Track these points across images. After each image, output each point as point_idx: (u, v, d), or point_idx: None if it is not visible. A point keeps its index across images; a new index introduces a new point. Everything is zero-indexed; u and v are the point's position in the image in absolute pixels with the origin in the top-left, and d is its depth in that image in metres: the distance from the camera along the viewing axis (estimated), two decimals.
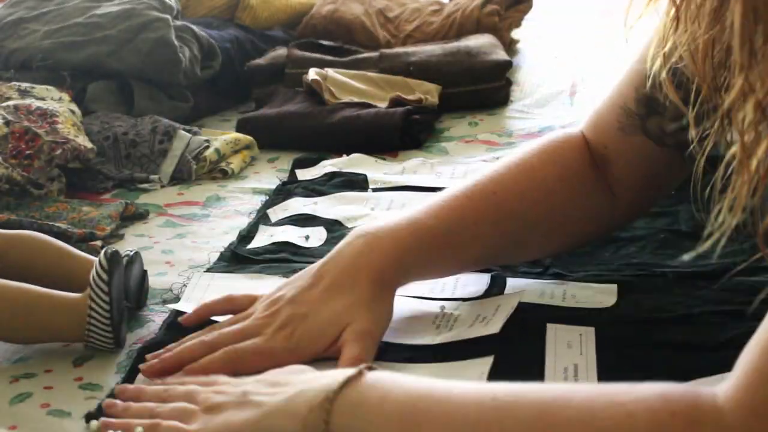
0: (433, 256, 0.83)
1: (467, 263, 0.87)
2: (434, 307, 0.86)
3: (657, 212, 1.05)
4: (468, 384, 0.65)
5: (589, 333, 0.80)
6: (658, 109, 0.78)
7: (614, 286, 0.88)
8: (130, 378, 0.79)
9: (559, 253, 0.93)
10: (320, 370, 0.71)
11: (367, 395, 0.63)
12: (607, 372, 0.74)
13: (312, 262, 0.98)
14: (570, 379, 0.74)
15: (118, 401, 0.74)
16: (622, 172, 0.86)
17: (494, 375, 0.75)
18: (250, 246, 1.04)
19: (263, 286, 0.93)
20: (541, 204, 0.85)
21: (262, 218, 1.12)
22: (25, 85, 1.37)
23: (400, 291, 0.91)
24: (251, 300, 0.84)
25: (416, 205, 0.85)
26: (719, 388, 0.55)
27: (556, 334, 0.80)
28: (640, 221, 1.03)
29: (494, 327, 0.80)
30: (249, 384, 0.70)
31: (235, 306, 0.84)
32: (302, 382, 0.67)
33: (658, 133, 0.80)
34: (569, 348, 0.78)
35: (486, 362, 0.76)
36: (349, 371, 0.64)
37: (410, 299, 0.88)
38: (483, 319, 0.82)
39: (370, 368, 0.65)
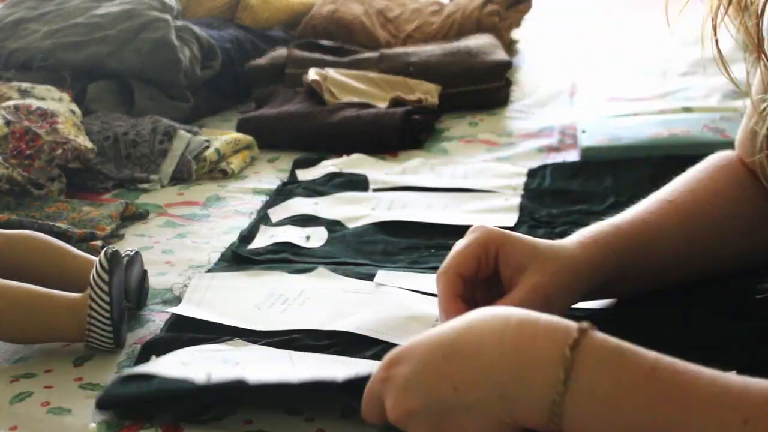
0: (631, 249, 0.79)
1: (661, 272, 0.82)
2: (436, 309, 0.86)
3: None
4: (709, 388, 0.53)
5: None
6: None
7: None
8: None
9: (745, 264, 0.86)
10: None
11: (596, 403, 0.54)
12: None
13: (313, 263, 0.99)
14: None
15: None
16: None
17: None
18: (251, 246, 1.04)
19: (263, 283, 0.93)
20: (717, 206, 0.83)
21: (262, 218, 1.12)
22: (25, 85, 1.37)
23: (400, 285, 0.91)
24: None
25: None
26: None
27: None
28: None
29: None
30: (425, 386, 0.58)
31: None
32: (504, 376, 0.56)
33: None
34: None
35: None
36: (561, 369, 0.54)
37: (411, 297, 0.88)
38: None
39: (573, 346, 0.55)
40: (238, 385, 0.70)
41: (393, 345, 0.79)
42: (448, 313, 0.72)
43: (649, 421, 0.52)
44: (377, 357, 0.78)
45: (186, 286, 0.95)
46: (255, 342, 0.82)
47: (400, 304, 0.86)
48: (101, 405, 0.74)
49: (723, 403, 0.51)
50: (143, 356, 0.81)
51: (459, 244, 0.76)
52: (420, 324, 0.83)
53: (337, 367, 0.75)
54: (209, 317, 0.87)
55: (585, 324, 0.56)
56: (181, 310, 0.89)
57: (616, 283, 0.80)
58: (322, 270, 0.95)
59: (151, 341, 0.84)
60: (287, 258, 1.00)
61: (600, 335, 0.56)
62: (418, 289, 0.90)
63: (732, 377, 0.53)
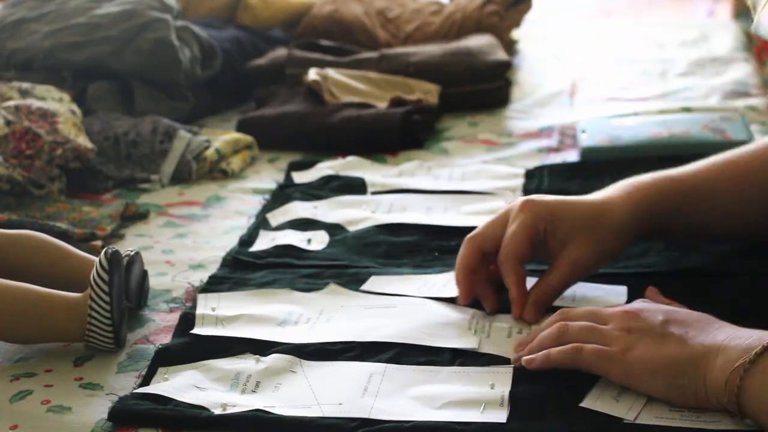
0: (679, 204, 0.88)
1: (711, 220, 0.90)
2: (464, 311, 0.87)
3: None
4: None
5: None
6: None
7: (624, 288, 0.88)
8: (146, 381, 0.79)
9: None
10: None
11: None
12: None
13: (316, 265, 0.99)
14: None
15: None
16: None
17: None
18: (252, 250, 1.04)
19: (276, 303, 0.91)
20: None
21: (262, 223, 1.12)
22: (25, 85, 1.37)
23: (388, 288, 0.92)
24: None
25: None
26: None
27: None
28: None
29: None
30: (661, 314, 0.73)
31: None
32: (721, 334, 0.69)
33: None
34: None
35: (502, 372, 0.77)
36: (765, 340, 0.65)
37: (434, 306, 0.89)
38: (520, 331, 0.83)
39: None
40: (254, 417, 0.71)
41: (434, 348, 0.80)
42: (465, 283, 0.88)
43: None
44: (432, 363, 0.79)
45: (192, 285, 0.96)
46: (298, 354, 0.81)
47: (429, 311, 0.87)
48: (113, 419, 0.74)
49: None
50: (152, 368, 0.81)
51: (510, 228, 0.86)
52: (456, 328, 0.84)
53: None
54: (231, 333, 0.86)
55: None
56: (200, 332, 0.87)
57: (662, 231, 0.90)
58: (333, 287, 0.94)
59: (162, 350, 0.83)
60: (290, 262, 1.00)
61: None
62: (404, 293, 0.91)
63: None
